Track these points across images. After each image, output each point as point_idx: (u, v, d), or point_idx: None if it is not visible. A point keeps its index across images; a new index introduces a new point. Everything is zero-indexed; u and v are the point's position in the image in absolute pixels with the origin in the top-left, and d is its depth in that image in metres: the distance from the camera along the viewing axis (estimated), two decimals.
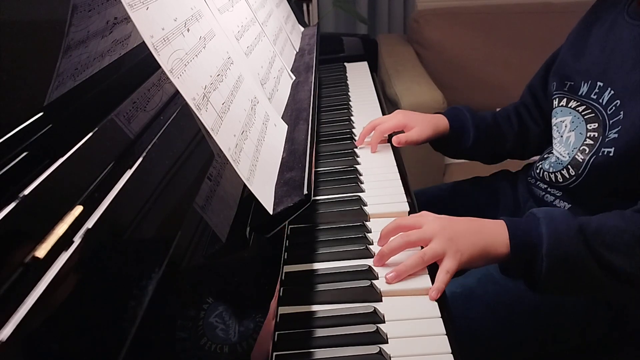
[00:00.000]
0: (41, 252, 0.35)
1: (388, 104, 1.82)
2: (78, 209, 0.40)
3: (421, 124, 1.02)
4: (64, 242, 0.37)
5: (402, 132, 1.04)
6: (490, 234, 0.71)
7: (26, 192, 0.38)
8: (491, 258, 0.71)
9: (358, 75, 1.55)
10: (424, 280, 0.69)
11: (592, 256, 0.68)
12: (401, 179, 0.95)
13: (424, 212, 0.75)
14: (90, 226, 0.40)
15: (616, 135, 0.80)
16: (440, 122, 1.04)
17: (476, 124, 1.04)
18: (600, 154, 0.82)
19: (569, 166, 0.89)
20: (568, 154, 0.89)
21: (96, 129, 0.49)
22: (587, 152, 0.85)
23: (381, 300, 0.66)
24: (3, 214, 0.35)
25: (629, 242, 0.69)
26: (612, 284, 0.70)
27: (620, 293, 0.78)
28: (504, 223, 0.72)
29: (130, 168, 0.48)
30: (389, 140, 1.06)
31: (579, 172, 0.86)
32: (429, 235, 0.70)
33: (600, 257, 0.68)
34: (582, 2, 0.98)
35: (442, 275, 0.68)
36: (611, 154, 0.80)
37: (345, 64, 1.64)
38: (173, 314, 0.45)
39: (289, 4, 1.49)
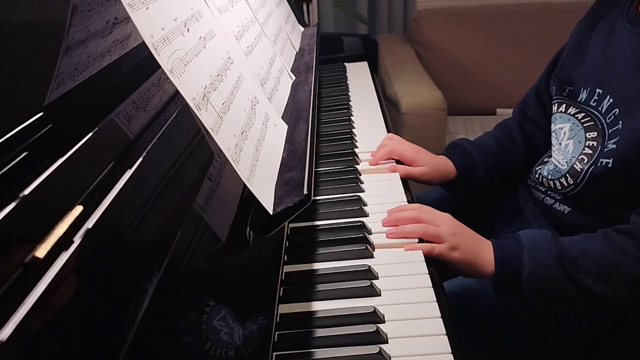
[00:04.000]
0: (41, 252, 0.35)
1: (388, 104, 1.82)
2: (78, 209, 0.40)
3: (429, 166, 0.98)
4: (64, 242, 0.37)
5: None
6: (483, 250, 0.77)
7: (26, 192, 0.38)
8: (477, 272, 0.77)
9: (358, 75, 1.55)
10: (424, 280, 0.69)
11: (570, 282, 0.73)
12: (401, 179, 0.95)
13: (444, 215, 0.80)
14: (90, 226, 0.40)
15: (614, 146, 0.79)
16: (447, 167, 1.00)
17: (482, 158, 1.01)
18: (598, 164, 0.81)
19: (567, 175, 0.88)
20: (566, 162, 0.88)
21: (96, 129, 0.49)
22: (585, 161, 0.84)
23: (380, 295, 0.67)
24: (3, 214, 0.35)
25: (607, 268, 0.73)
26: (592, 304, 0.75)
27: (603, 309, 0.83)
28: (491, 244, 0.77)
29: (130, 168, 0.48)
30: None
31: (577, 181, 0.85)
32: (439, 223, 0.78)
33: (578, 283, 0.73)
34: (582, 2, 0.98)
35: (428, 246, 0.76)
36: (609, 165, 0.79)
37: (345, 64, 1.64)
38: (173, 314, 0.45)
39: (289, 4, 1.49)
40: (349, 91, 1.40)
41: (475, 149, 1.02)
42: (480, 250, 0.77)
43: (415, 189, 0.99)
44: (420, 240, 0.77)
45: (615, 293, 0.73)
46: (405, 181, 0.95)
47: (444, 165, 1.00)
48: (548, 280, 0.73)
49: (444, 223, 0.78)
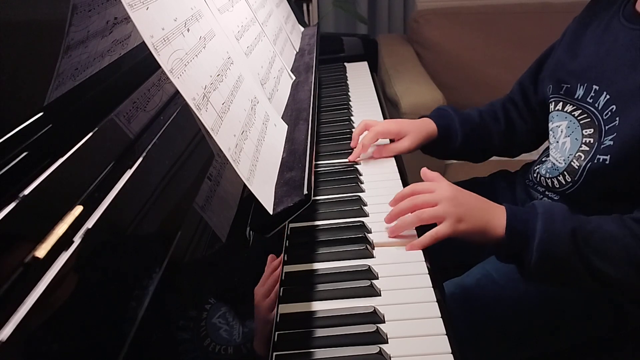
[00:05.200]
0: (41, 252, 0.35)
1: (388, 104, 1.82)
2: (78, 209, 0.40)
3: (413, 132, 1.01)
4: (64, 242, 0.37)
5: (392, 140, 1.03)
6: (493, 215, 0.74)
7: (26, 192, 0.38)
8: (488, 237, 0.74)
9: (358, 75, 1.55)
10: (424, 280, 0.69)
11: (579, 259, 0.71)
12: (401, 178, 0.95)
13: (439, 177, 0.79)
14: (90, 226, 0.40)
15: (611, 142, 0.79)
16: (429, 127, 1.03)
17: (462, 124, 1.04)
18: (595, 160, 0.81)
19: (565, 172, 0.88)
20: (564, 160, 0.89)
21: (96, 129, 0.49)
22: (582, 158, 0.84)
23: (380, 295, 0.67)
24: (3, 214, 0.35)
25: (619, 251, 0.71)
26: (596, 285, 0.73)
27: (605, 292, 0.81)
28: (504, 209, 0.75)
29: (130, 168, 0.48)
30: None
31: (575, 178, 0.86)
32: (436, 200, 0.75)
33: (587, 261, 0.71)
34: (582, 2, 0.98)
35: (427, 236, 0.73)
36: (607, 162, 0.79)
37: (345, 64, 1.64)
38: (173, 314, 0.45)
39: (289, 4, 1.49)
40: (349, 91, 1.40)
41: (457, 115, 1.05)
42: (490, 214, 0.74)
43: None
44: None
45: (623, 277, 0.71)
46: (405, 181, 0.95)
47: (426, 126, 1.03)
48: (558, 252, 0.70)
49: (441, 197, 0.74)
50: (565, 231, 0.71)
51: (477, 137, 1.05)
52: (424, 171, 0.83)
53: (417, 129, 1.02)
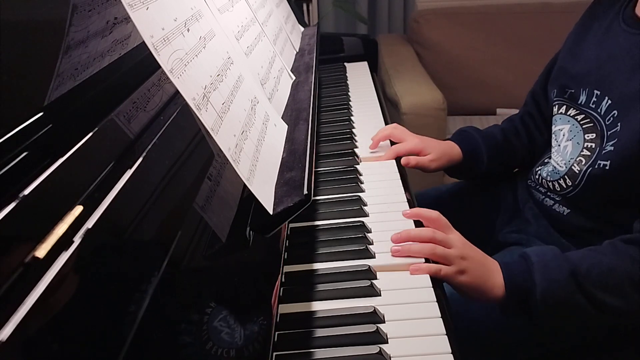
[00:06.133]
0: (41, 252, 0.35)
1: (388, 104, 1.82)
2: (78, 209, 0.40)
3: (437, 153, 1.00)
4: (64, 242, 0.37)
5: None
6: (491, 275, 0.73)
7: (26, 192, 0.38)
8: (484, 296, 0.73)
9: (358, 75, 1.55)
10: (424, 280, 0.69)
11: (585, 298, 0.70)
12: (401, 179, 0.95)
13: (456, 236, 0.76)
14: (90, 226, 0.40)
15: (612, 148, 0.79)
16: (453, 151, 1.02)
17: (487, 145, 1.03)
18: (596, 166, 0.81)
19: (565, 176, 0.88)
20: (565, 164, 0.88)
21: (96, 129, 0.49)
22: (583, 163, 0.84)
23: (380, 295, 0.67)
24: (3, 214, 0.35)
25: (621, 280, 0.71)
26: (607, 319, 0.73)
27: (619, 323, 0.80)
28: (498, 265, 0.74)
29: (130, 168, 0.48)
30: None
31: (576, 182, 0.86)
32: (451, 244, 0.73)
33: (593, 298, 0.70)
34: (582, 2, 0.98)
35: (434, 267, 0.71)
36: (607, 167, 0.79)
37: (345, 64, 1.64)
38: (173, 314, 0.45)
39: (289, 4, 1.49)
40: (349, 91, 1.40)
41: (481, 136, 1.04)
42: (488, 274, 0.73)
43: (415, 185, 1.00)
44: (427, 260, 0.73)
45: (631, 306, 0.71)
46: (405, 181, 0.95)
47: (450, 149, 1.02)
48: (562, 298, 0.70)
49: (454, 244, 0.73)
50: (564, 275, 0.70)
51: (502, 156, 1.05)
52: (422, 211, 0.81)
53: (440, 151, 1.00)
